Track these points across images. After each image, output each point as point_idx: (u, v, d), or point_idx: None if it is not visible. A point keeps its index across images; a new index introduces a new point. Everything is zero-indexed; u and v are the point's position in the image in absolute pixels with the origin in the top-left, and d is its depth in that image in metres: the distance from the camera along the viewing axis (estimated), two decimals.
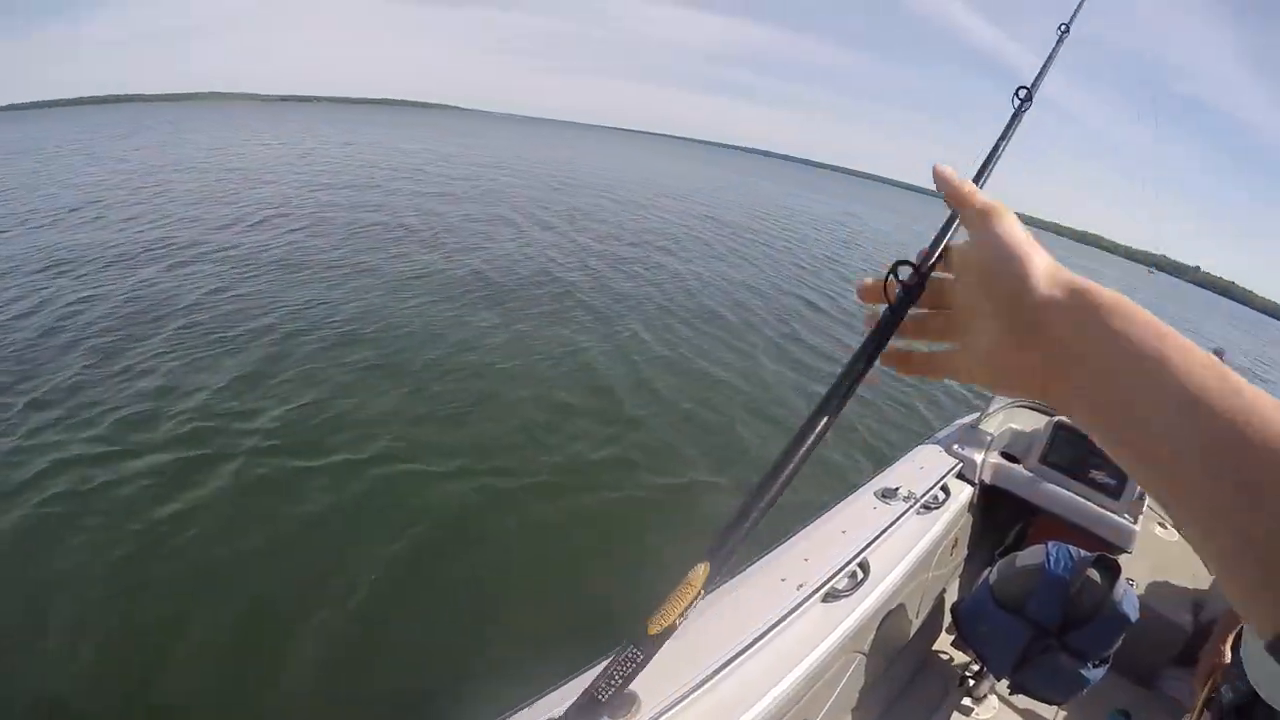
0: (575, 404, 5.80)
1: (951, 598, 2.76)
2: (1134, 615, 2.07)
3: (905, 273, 0.50)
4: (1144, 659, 2.42)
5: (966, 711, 2.60)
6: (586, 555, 3.99)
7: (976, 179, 0.83)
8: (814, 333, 9.53)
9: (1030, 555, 2.17)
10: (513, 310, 8.03)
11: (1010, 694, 2.58)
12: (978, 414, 3.02)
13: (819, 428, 0.46)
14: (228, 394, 5.23)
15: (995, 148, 0.88)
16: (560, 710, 0.55)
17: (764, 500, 0.45)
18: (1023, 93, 0.95)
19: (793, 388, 7.12)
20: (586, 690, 0.46)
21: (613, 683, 0.45)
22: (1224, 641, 2.03)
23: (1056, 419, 3.01)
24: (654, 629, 0.46)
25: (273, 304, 7.26)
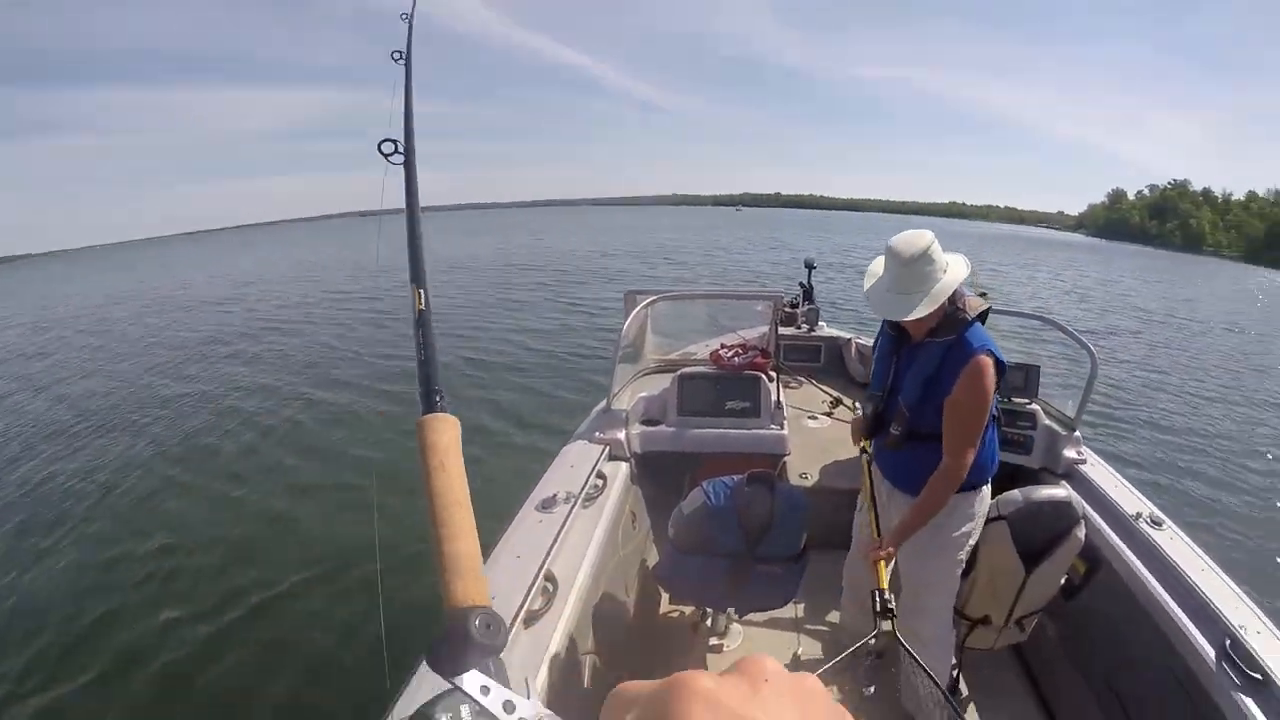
0: None
1: (654, 562, 2.96)
2: (803, 504, 2.37)
3: None
4: (842, 527, 2.80)
5: (718, 650, 2.81)
6: None
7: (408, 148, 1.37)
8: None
9: (691, 501, 2.39)
10: None
11: (742, 618, 2.86)
12: (605, 399, 3.20)
13: None
14: None
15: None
16: None
17: None
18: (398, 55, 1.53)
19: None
20: None
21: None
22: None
23: (679, 373, 3.33)
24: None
25: None
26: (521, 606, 1.89)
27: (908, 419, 2.20)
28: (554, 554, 2.16)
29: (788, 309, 5.37)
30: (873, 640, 2.77)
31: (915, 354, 2.18)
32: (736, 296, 3.89)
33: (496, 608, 1.77)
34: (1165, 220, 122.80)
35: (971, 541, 2.30)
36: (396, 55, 1.68)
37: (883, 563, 2.21)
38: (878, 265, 2.21)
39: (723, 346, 3.63)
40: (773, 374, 3.43)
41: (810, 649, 2.84)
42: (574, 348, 11.34)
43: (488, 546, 2.19)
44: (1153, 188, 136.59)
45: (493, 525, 2.41)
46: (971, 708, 2.68)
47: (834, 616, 2.97)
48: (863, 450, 2.51)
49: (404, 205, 1.32)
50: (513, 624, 1.82)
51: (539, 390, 9.17)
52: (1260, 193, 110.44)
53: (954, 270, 2.09)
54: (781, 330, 5.13)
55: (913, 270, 2.03)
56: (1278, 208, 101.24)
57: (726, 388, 3.32)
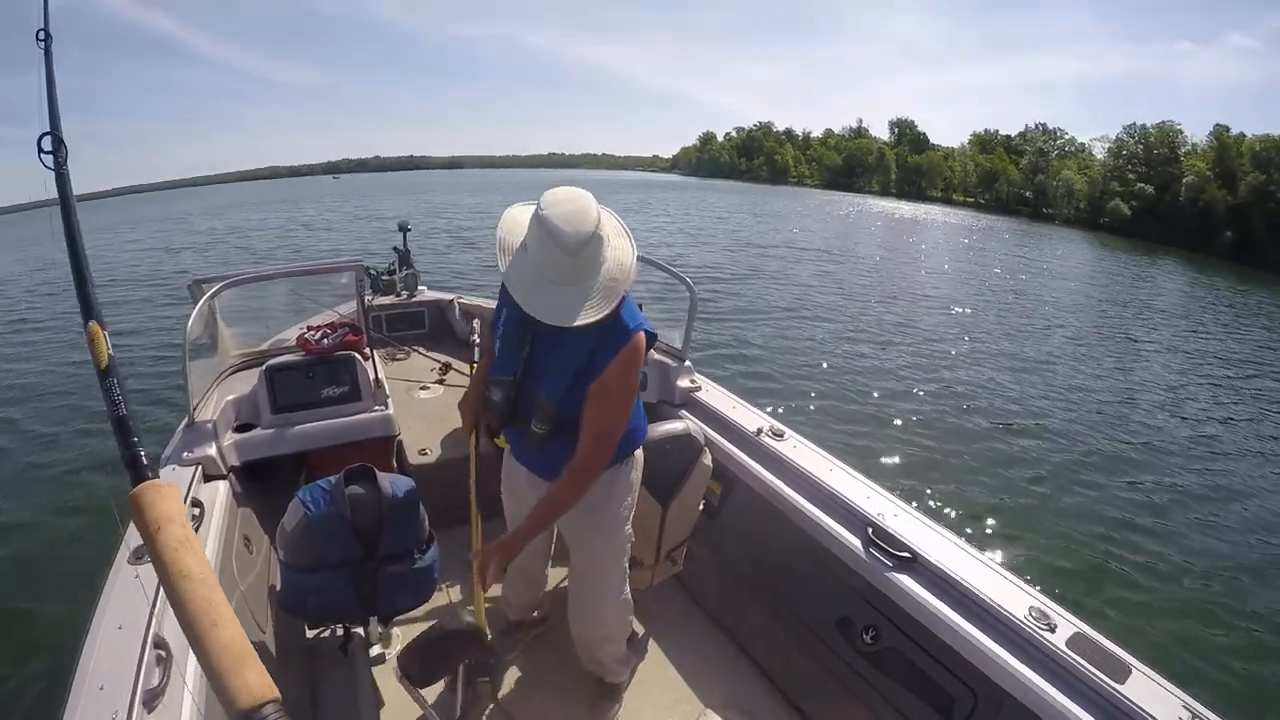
0: None
1: None
2: (411, 491, 2.27)
3: None
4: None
5: (381, 660, 2.68)
6: None
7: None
8: None
9: (290, 516, 2.18)
10: None
11: (390, 624, 2.68)
12: (185, 418, 2.82)
13: None
14: None
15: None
16: None
17: None
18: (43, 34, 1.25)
19: None
20: None
21: None
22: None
23: (266, 366, 3.03)
24: None
25: None
26: (135, 689, 1.56)
27: (554, 413, 1.86)
28: (159, 613, 1.81)
29: (385, 276, 5.18)
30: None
31: (559, 337, 1.77)
32: (316, 271, 3.61)
33: (107, 695, 1.46)
34: (753, 157, 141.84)
35: (632, 510, 2.20)
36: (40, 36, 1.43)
37: (477, 567, 1.94)
38: (512, 230, 1.73)
39: (309, 329, 3.32)
40: (369, 350, 3.26)
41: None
42: (147, 371, 9.05)
43: (79, 618, 1.86)
44: (739, 129, 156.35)
45: (85, 593, 1.93)
46: (652, 645, 2.79)
47: (494, 590, 2.88)
48: (494, 442, 2.31)
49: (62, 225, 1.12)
50: (130, 712, 1.49)
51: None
52: (836, 130, 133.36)
53: (618, 241, 1.72)
54: (381, 300, 4.96)
55: (585, 256, 1.60)
56: (851, 142, 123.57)
57: (320, 374, 3.09)
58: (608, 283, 1.65)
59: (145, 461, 0.95)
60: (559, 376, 1.82)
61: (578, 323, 1.61)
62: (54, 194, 1.16)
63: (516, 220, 1.74)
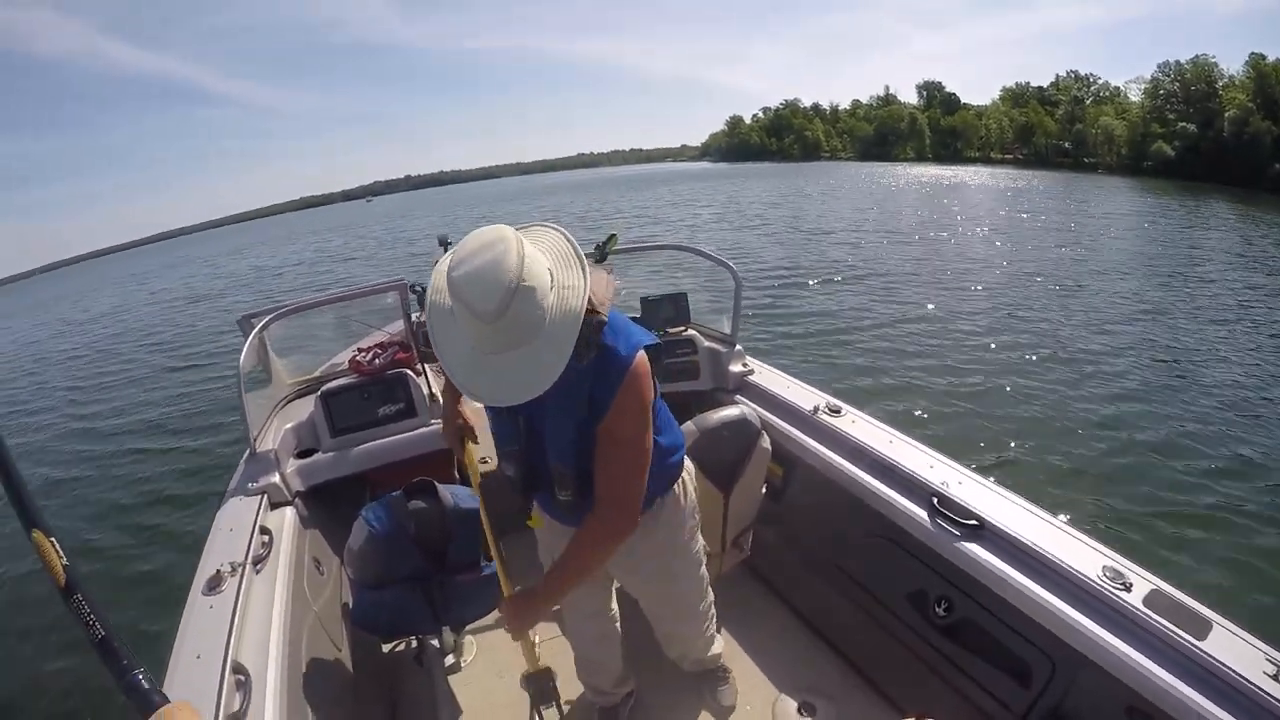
0: None
1: None
2: (474, 504, 2.25)
3: None
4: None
5: (455, 669, 2.72)
6: None
7: None
8: None
9: (357, 535, 2.21)
10: None
11: (461, 632, 2.76)
12: (247, 449, 2.88)
13: None
14: None
15: None
16: None
17: None
18: None
19: None
20: None
21: None
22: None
23: (321, 392, 3.07)
24: None
25: None
26: (218, 713, 1.60)
27: (575, 477, 1.60)
28: (235, 640, 1.85)
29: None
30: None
31: (541, 397, 1.37)
32: (360, 294, 3.63)
33: None
34: (783, 136, 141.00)
35: (698, 524, 2.01)
36: None
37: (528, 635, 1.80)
38: (441, 287, 1.36)
39: (359, 351, 3.36)
40: (420, 366, 3.28)
41: (547, 631, 2.76)
42: (201, 413, 9.30)
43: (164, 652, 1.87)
44: (766, 110, 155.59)
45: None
46: (727, 637, 2.74)
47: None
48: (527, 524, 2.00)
49: None
50: None
51: (178, 468, 7.51)
52: (864, 100, 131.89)
53: (566, 277, 1.36)
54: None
55: (511, 317, 1.25)
56: (881, 111, 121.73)
57: (374, 394, 3.12)
58: (555, 334, 1.32)
59: (148, 685, 0.83)
60: (562, 437, 1.56)
61: (525, 398, 1.34)
62: None
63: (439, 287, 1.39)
